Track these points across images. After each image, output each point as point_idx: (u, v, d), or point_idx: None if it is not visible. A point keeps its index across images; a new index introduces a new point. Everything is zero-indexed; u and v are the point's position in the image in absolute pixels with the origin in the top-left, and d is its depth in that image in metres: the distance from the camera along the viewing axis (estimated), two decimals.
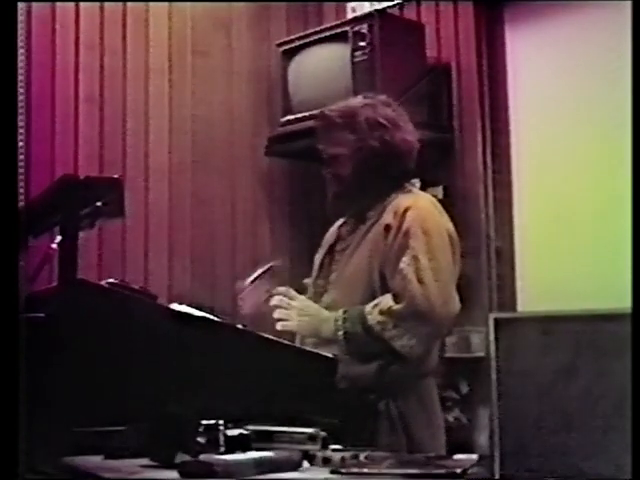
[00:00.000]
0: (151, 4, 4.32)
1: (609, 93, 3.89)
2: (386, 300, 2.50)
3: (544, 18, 4.15)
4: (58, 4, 4.00)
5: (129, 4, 4.24)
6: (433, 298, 2.47)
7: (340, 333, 2.53)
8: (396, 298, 2.49)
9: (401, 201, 2.63)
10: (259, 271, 2.81)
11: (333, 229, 2.86)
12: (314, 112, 4.07)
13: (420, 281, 2.47)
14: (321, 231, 2.96)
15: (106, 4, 4.16)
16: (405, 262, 2.50)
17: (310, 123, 4.07)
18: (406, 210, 2.58)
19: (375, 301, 2.52)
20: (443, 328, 2.59)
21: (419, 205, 2.62)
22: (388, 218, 2.61)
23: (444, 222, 2.65)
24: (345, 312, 2.55)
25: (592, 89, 4.01)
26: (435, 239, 2.55)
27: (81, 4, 4.08)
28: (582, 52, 4.04)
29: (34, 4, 3.90)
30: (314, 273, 2.81)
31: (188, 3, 4.44)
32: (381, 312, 2.48)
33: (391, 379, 2.56)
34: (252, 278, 2.79)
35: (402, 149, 2.68)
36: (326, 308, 2.64)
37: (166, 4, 4.38)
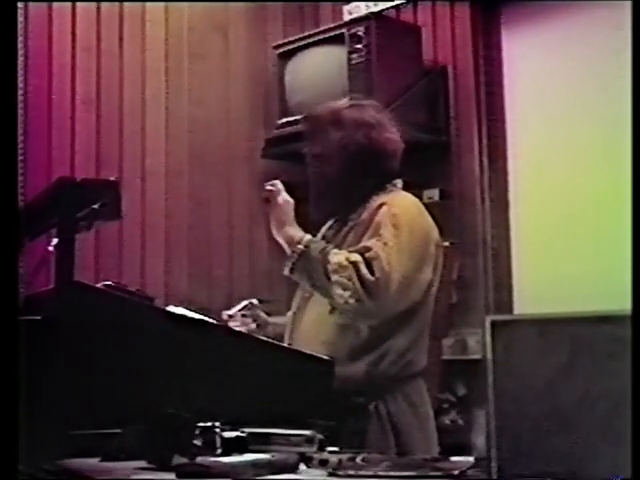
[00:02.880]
0: (148, 5, 4.32)
1: (607, 94, 3.89)
2: (356, 256, 2.47)
3: (541, 20, 4.15)
4: (55, 5, 4.00)
5: (126, 5, 4.24)
6: (385, 286, 2.44)
7: (296, 253, 2.53)
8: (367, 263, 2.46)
9: (379, 199, 2.64)
10: (238, 307, 2.83)
11: (320, 233, 2.86)
12: None
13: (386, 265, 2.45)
14: (315, 234, 2.96)
15: (103, 5, 4.16)
16: (374, 243, 2.50)
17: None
18: (380, 205, 2.60)
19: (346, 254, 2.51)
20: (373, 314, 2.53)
21: (394, 202, 2.63)
22: (365, 215, 2.63)
23: (421, 221, 2.65)
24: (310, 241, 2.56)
25: (590, 91, 4.01)
26: (404, 234, 2.53)
27: (78, 5, 4.08)
28: (580, 53, 4.04)
29: (31, 5, 3.90)
30: None
31: (185, 5, 4.44)
32: (347, 259, 2.45)
33: (380, 380, 2.56)
34: (231, 312, 2.82)
35: (388, 148, 2.69)
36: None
37: (162, 6, 4.38)
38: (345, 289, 2.43)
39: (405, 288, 2.51)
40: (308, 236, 2.57)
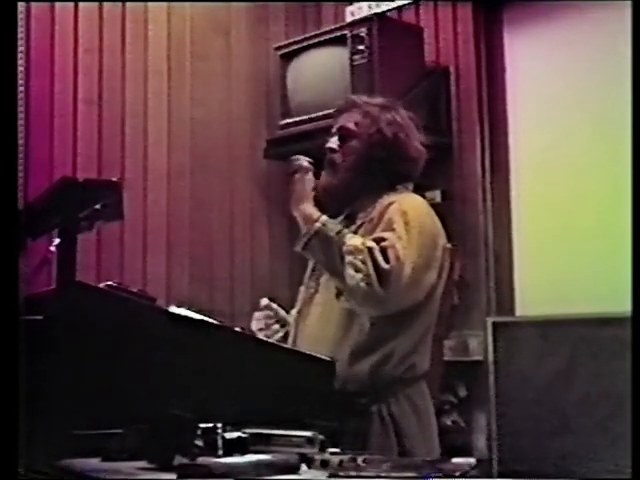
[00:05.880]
0: (150, 6, 4.32)
1: (609, 95, 3.89)
2: (372, 243, 2.47)
3: (543, 20, 4.15)
4: (57, 5, 4.00)
5: (128, 5, 4.24)
6: (398, 276, 2.43)
7: (312, 230, 2.53)
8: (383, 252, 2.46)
9: (389, 198, 2.64)
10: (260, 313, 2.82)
11: None
12: (313, 115, 4.11)
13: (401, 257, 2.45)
14: None
15: (105, 5, 4.16)
16: (389, 235, 2.50)
17: (309, 126, 4.12)
18: (390, 204, 2.60)
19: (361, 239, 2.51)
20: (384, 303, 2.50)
21: (404, 201, 2.63)
22: (374, 213, 2.62)
23: (430, 222, 2.64)
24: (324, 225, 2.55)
25: (591, 91, 4.02)
26: (414, 232, 2.52)
27: (80, 5, 4.08)
28: (581, 54, 4.04)
29: (33, 5, 3.91)
30: (307, 274, 2.82)
31: (187, 5, 4.45)
32: (363, 243, 2.45)
33: (383, 382, 2.55)
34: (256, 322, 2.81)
35: (412, 152, 2.70)
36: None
37: (165, 6, 4.38)
38: (358, 271, 2.42)
39: (414, 283, 2.50)
40: (325, 216, 2.57)
